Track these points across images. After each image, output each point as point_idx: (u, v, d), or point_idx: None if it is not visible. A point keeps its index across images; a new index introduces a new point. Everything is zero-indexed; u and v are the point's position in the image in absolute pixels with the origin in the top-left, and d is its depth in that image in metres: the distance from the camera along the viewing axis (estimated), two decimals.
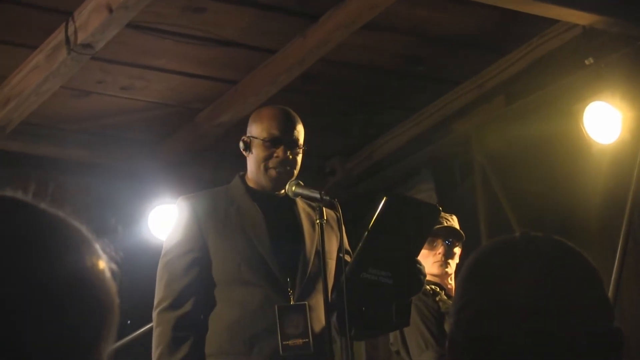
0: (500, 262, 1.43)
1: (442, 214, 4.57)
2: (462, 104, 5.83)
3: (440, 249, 4.56)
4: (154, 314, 3.30)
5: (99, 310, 0.99)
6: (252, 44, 5.07)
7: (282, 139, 3.36)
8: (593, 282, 1.42)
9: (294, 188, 3.30)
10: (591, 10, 4.77)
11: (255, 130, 3.39)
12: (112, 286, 1.02)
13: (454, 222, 4.65)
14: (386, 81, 5.63)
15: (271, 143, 3.35)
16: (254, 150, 3.38)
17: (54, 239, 0.98)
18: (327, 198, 3.18)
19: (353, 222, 5.58)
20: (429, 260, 4.45)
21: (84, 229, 1.03)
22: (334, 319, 3.23)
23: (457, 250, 4.62)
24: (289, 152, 3.35)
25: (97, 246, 1.03)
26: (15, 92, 5.01)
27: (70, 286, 0.97)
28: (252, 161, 3.40)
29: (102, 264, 1.01)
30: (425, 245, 4.43)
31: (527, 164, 5.72)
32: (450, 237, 4.58)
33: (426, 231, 3.25)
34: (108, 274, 1.02)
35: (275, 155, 3.34)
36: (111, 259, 1.04)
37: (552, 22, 5.06)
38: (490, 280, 1.41)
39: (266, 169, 3.36)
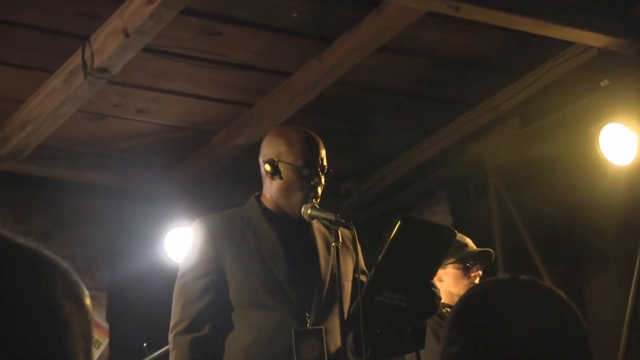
0: (489, 306, 1.46)
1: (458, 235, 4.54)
2: (477, 126, 5.83)
3: (476, 273, 4.48)
4: (170, 337, 3.28)
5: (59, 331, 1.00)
6: (268, 67, 5.09)
7: (317, 167, 3.31)
8: (577, 326, 1.46)
9: (309, 211, 3.25)
10: (606, 32, 4.77)
11: (288, 155, 3.31)
12: (86, 314, 1.03)
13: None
14: (401, 103, 5.63)
15: (308, 172, 3.29)
16: (285, 175, 3.31)
17: (23, 270, 1.01)
18: (343, 221, 3.16)
19: (369, 244, 5.57)
20: (462, 282, 4.37)
21: (59, 261, 1.05)
22: (349, 339, 3.21)
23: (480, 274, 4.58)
24: (322, 179, 3.32)
25: (73, 277, 1.04)
26: (32, 116, 5.04)
27: (38, 311, 0.99)
28: (280, 186, 3.33)
29: (76, 294, 1.03)
30: (461, 267, 4.38)
31: (542, 186, 5.70)
32: (487, 261, 4.49)
33: (441, 254, 3.23)
34: (86, 301, 1.04)
35: (311, 183, 3.29)
36: (84, 291, 1.05)
37: (567, 44, 5.06)
38: (479, 323, 1.44)
39: (300, 197, 3.29)
